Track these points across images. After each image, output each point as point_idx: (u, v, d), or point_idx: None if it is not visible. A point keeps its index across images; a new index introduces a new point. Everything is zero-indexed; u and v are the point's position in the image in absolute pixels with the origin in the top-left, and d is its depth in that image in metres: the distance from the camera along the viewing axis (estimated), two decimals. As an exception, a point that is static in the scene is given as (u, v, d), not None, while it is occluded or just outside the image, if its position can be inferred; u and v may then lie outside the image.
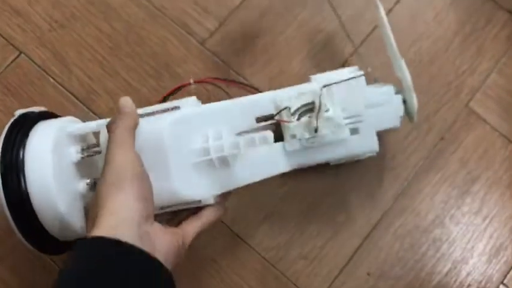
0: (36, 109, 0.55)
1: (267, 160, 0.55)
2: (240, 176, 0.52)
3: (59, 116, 0.56)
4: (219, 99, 0.55)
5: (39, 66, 0.68)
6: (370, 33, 0.67)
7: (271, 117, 0.54)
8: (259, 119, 0.54)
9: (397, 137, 0.64)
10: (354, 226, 0.62)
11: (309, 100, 0.54)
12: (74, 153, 0.53)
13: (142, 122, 0.50)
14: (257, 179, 0.54)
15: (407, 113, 0.57)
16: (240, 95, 0.56)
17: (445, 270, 0.60)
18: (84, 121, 0.56)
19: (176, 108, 0.52)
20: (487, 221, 0.62)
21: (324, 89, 0.54)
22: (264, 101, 0.55)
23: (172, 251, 0.46)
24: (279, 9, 0.69)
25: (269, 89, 0.56)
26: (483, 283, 0.60)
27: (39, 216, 0.49)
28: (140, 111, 0.51)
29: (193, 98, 0.54)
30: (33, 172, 0.48)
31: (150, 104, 0.54)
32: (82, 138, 0.56)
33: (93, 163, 0.55)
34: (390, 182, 0.63)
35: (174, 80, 0.66)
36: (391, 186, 0.63)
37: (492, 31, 0.67)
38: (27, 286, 0.61)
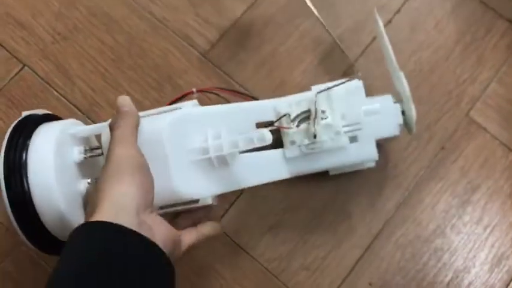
0: (39, 111, 0.56)
1: (267, 164, 0.55)
2: (239, 178, 0.53)
3: (62, 119, 0.57)
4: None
5: (42, 79, 0.68)
6: (370, 43, 0.68)
7: (271, 123, 0.55)
8: (259, 125, 0.55)
9: (398, 147, 0.64)
10: (356, 236, 0.62)
11: (308, 107, 0.55)
12: (76, 153, 0.53)
13: (143, 121, 0.50)
14: (256, 182, 0.54)
15: (406, 124, 0.57)
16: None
17: (447, 279, 0.60)
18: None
19: (177, 108, 0.53)
20: (488, 230, 0.62)
21: (323, 96, 0.55)
22: (265, 108, 0.56)
23: (169, 243, 0.45)
24: (280, 20, 0.69)
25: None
26: (485, 292, 0.60)
27: (41, 217, 0.49)
28: (141, 114, 0.52)
29: (194, 101, 0.55)
30: (36, 174, 0.49)
31: (153, 115, 0.54)
32: (85, 140, 0.56)
33: (95, 164, 0.56)
34: (391, 191, 0.63)
35: (176, 91, 0.67)
36: (392, 196, 0.63)
37: (492, 40, 0.67)
38: (31, 281, 0.62)
